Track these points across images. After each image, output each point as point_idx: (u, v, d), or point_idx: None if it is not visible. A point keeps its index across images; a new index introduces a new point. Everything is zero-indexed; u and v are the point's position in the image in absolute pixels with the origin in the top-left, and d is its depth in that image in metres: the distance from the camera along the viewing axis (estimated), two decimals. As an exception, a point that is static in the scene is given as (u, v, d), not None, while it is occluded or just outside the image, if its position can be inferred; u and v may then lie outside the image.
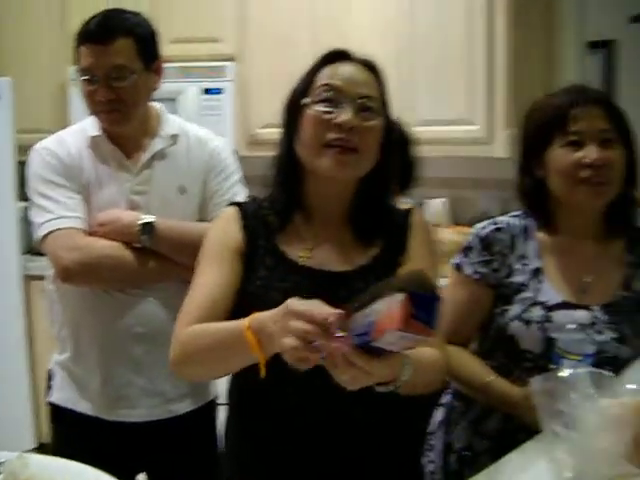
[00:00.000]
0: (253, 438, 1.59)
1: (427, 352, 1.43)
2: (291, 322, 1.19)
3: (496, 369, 1.82)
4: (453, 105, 3.42)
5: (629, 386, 1.26)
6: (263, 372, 1.30)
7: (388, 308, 1.09)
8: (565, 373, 1.00)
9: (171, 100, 3.69)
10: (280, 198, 1.60)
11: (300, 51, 3.34)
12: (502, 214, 1.99)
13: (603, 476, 0.88)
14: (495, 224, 1.90)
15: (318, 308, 1.19)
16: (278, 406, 1.53)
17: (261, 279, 1.53)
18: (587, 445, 0.90)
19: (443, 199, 3.48)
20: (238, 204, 1.65)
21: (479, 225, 1.93)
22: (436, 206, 3.72)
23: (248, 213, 1.61)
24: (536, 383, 1.01)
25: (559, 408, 0.96)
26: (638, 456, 0.93)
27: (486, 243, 1.87)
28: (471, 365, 1.84)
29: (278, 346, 1.22)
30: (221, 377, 1.46)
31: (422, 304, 1.07)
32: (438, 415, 1.97)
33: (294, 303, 1.22)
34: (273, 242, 1.58)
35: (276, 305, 1.28)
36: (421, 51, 3.49)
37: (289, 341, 1.18)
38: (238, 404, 1.63)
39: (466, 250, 1.89)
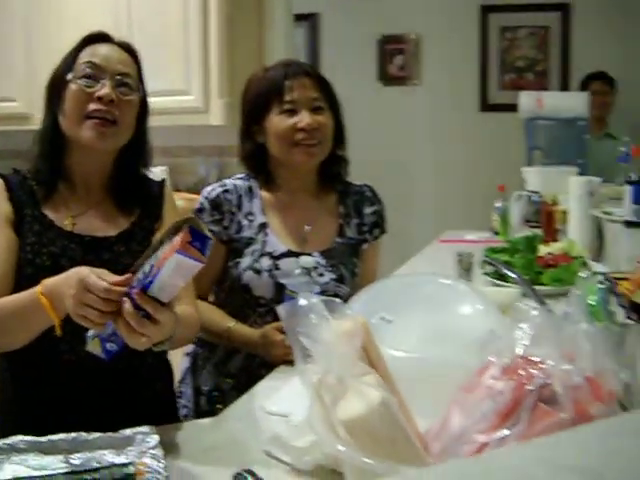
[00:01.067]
0: (20, 382, 1.66)
1: (186, 310, 1.58)
2: (85, 295, 1.28)
3: (234, 316, 1.99)
4: (170, 77, 3.48)
5: (354, 307, 1.53)
6: (59, 331, 1.40)
7: (168, 247, 1.24)
8: (304, 302, 1.19)
9: None
10: (44, 169, 1.69)
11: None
12: (219, 179, 2.17)
13: (344, 375, 1.11)
14: (223, 186, 2.08)
15: (109, 278, 1.30)
16: (48, 354, 1.60)
17: (30, 245, 1.61)
18: (328, 353, 1.12)
19: (164, 167, 3.58)
20: (1, 176, 1.70)
21: (208, 188, 2.10)
22: (158, 174, 3.81)
23: (13, 184, 1.67)
24: (282, 310, 1.20)
25: (302, 330, 1.16)
26: (367, 359, 1.17)
27: (215, 204, 2.05)
28: (211, 314, 1.99)
29: (72, 313, 1.31)
30: (24, 343, 1.51)
31: (198, 237, 1.23)
32: (184, 363, 2.11)
33: (86, 274, 1.31)
34: (40, 211, 1.66)
35: (45, 269, 1.38)
36: (138, 25, 3.53)
37: (83, 312, 1.29)
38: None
39: (198, 212, 2.05)
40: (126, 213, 1.74)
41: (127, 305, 1.28)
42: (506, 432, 1.10)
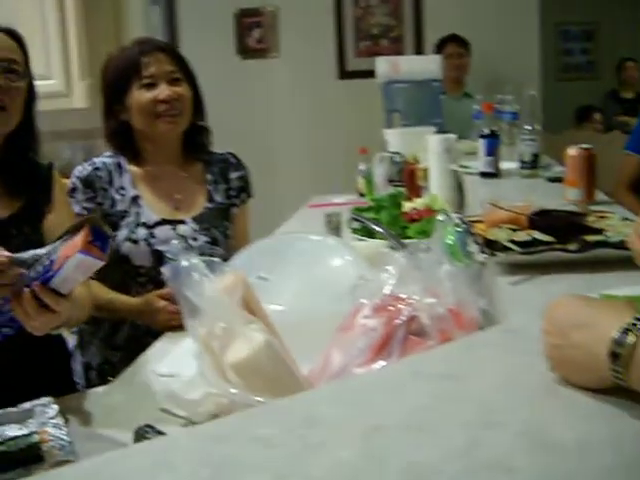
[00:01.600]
0: None
1: (81, 292, 1.62)
2: None
3: (115, 289, 2.05)
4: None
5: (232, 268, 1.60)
6: None
7: (69, 244, 1.29)
8: (185, 263, 1.26)
9: None
10: None
11: None
12: (86, 160, 2.21)
13: (229, 324, 1.19)
14: (92, 165, 2.13)
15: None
16: None
17: None
18: (213, 306, 1.19)
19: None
20: None
21: (78, 168, 2.14)
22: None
23: None
24: (166, 271, 1.26)
25: (186, 288, 1.23)
26: (248, 309, 1.25)
27: (87, 182, 2.09)
28: (92, 288, 2.05)
29: None
30: None
31: (99, 236, 1.29)
32: (71, 341, 2.14)
33: None
34: None
35: None
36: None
37: None
38: None
39: (71, 192, 2.08)
40: (16, 196, 1.77)
41: (27, 295, 1.33)
42: (382, 363, 1.21)
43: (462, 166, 2.80)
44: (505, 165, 2.69)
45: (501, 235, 1.48)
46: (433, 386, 0.91)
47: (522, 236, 1.48)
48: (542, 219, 1.58)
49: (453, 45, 5.20)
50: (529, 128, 2.57)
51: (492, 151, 2.58)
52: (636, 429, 0.78)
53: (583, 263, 1.43)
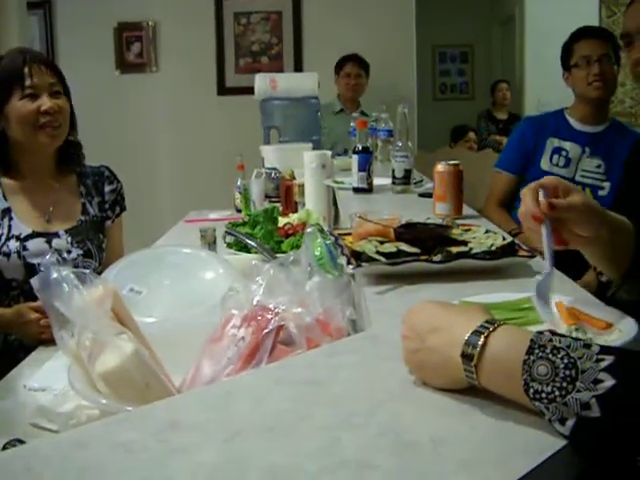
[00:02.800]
0: None
1: None
2: None
3: None
4: None
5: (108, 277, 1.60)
6: None
7: None
8: (55, 274, 1.25)
9: None
10: None
11: None
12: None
13: (99, 335, 1.18)
14: None
15: None
16: None
17: None
18: (83, 317, 1.19)
19: None
20: None
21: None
22: None
23: None
24: (35, 282, 1.24)
25: (56, 299, 1.21)
26: (117, 320, 1.25)
27: None
28: None
29: None
30: None
31: None
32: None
33: None
34: None
35: None
36: None
37: None
38: None
39: None
40: None
41: None
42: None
43: (336, 182, 2.86)
44: (379, 181, 2.75)
45: (368, 247, 1.52)
46: (295, 392, 0.94)
47: (389, 248, 1.52)
48: (408, 231, 1.64)
49: (352, 65, 5.30)
50: (401, 145, 2.64)
51: (365, 167, 2.64)
52: (488, 424, 0.83)
53: (447, 273, 1.49)
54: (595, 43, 3.09)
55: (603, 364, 0.76)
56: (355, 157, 2.66)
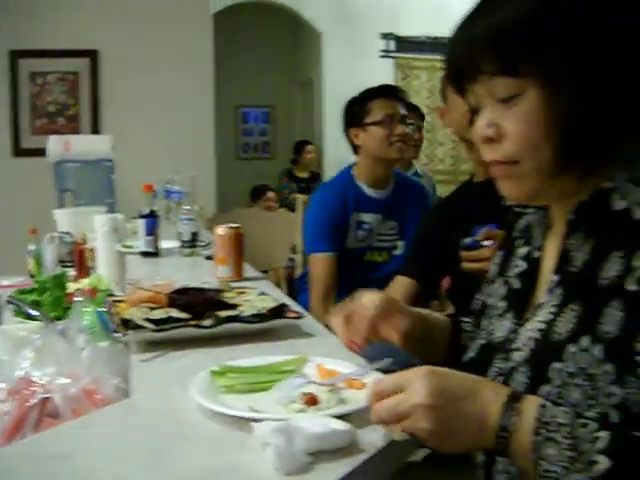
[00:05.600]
0: None
1: None
2: None
3: None
4: None
5: None
6: None
7: None
8: None
9: None
10: None
11: None
12: None
13: None
14: None
15: None
16: None
17: None
18: None
19: None
20: None
21: None
22: None
23: None
24: None
25: None
26: None
27: None
28: None
29: None
30: None
31: None
32: None
33: None
34: None
35: None
36: None
37: None
38: None
39: None
40: None
41: None
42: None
43: (125, 246, 2.89)
44: (168, 244, 2.81)
45: (137, 314, 1.57)
46: (42, 468, 0.97)
47: (159, 314, 1.58)
48: (180, 297, 1.70)
49: None
50: (188, 208, 2.71)
51: (151, 230, 2.69)
52: None
53: (217, 338, 1.57)
54: (396, 103, 3.03)
55: (599, 445, 0.86)
56: (141, 221, 2.70)
